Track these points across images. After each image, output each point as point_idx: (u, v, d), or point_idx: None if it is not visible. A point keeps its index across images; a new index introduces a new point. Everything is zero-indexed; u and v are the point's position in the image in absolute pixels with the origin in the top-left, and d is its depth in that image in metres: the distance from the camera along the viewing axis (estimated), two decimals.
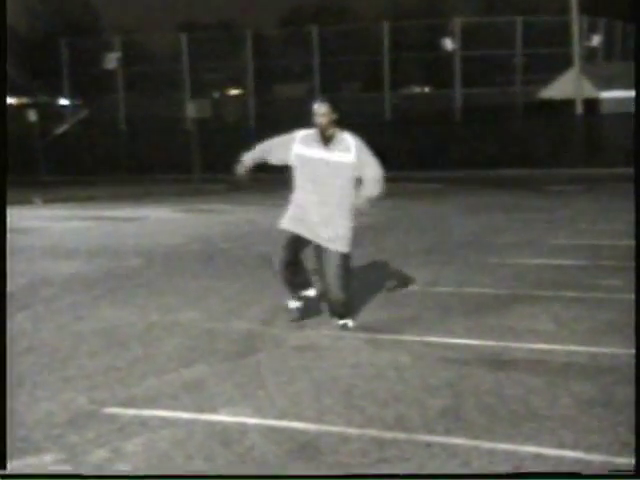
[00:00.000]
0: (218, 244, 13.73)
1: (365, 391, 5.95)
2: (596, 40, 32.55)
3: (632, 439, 4.94)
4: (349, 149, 7.48)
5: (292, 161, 7.65)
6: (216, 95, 37.18)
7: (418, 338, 7.34)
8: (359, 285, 9.88)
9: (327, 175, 7.46)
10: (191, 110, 29.89)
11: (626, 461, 4.65)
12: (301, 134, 7.60)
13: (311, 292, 7.96)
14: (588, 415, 5.38)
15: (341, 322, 7.79)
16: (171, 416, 5.52)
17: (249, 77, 34.15)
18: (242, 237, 14.54)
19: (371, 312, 8.45)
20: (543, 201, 18.05)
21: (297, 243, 7.64)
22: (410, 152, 29.24)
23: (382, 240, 13.63)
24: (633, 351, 6.71)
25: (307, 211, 7.54)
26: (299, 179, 7.65)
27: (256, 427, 5.31)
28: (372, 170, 7.57)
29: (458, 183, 25.82)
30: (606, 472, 4.37)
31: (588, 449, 4.84)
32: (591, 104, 28.45)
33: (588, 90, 28.35)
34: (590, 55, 33.23)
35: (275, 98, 35.10)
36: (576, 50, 29.25)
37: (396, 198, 21.17)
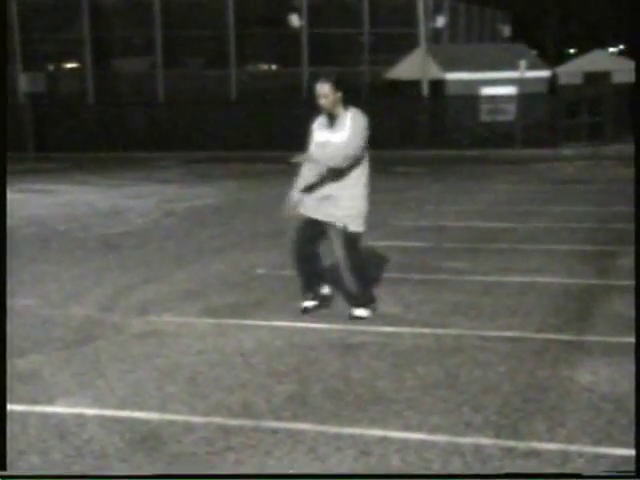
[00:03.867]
0: (55, 226, 13.24)
1: (210, 378, 5.84)
2: (441, 21, 33.16)
3: (474, 418, 5.05)
4: (345, 127, 6.99)
5: None
6: (51, 68, 35.60)
7: (264, 323, 7.26)
8: (203, 268, 9.73)
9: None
10: (23, 84, 28.73)
11: (468, 441, 4.73)
12: (317, 122, 7.17)
13: (325, 289, 7.44)
14: (433, 397, 5.43)
15: (355, 313, 7.26)
16: None
17: (86, 50, 33.01)
18: (80, 219, 14.08)
19: (217, 296, 8.31)
20: (391, 183, 18.27)
21: (311, 229, 7.17)
22: (258, 131, 29.10)
23: (229, 222, 13.49)
24: (477, 332, 6.84)
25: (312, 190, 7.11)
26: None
27: (95, 418, 5.14)
28: (343, 143, 6.94)
29: None
30: (606, 472, 4.36)
31: (432, 430, 4.90)
32: (437, 85, 28.99)
33: (434, 71, 28.86)
34: (435, 36, 33.82)
35: (115, 72, 34.08)
36: (422, 31, 29.74)
37: (244, 179, 21.05)
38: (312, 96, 7.16)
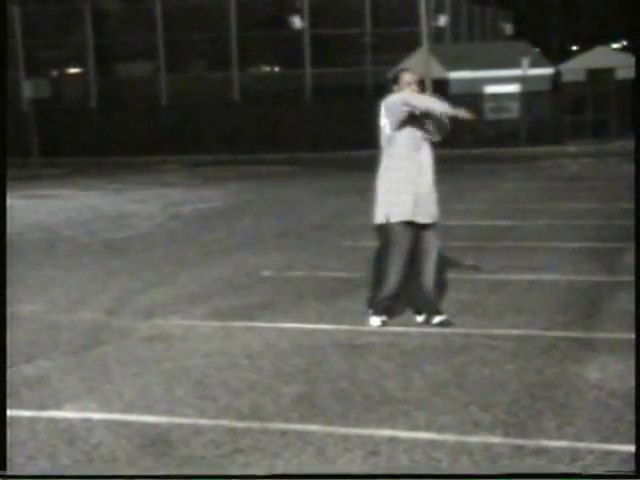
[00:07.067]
0: (60, 231, 13.28)
1: (217, 381, 5.83)
2: (443, 20, 33.18)
3: (483, 417, 5.03)
4: None
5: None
6: (54, 74, 35.63)
7: (271, 324, 7.25)
8: (209, 271, 9.73)
9: (417, 147, 7.39)
10: (28, 89, 28.79)
11: (476, 440, 4.71)
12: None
13: (419, 318, 7.15)
14: (441, 396, 5.42)
15: (438, 318, 7.02)
16: (11, 415, 5.22)
17: (89, 55, 33.12)
18: (85, 223, 14.11)
19: (223, 299, 8.31)
20: None
21: (410, 237, 7.00)
22: (260, 133, 29.13)
23: (235, 224, 13.50)
24: (484, 331, 6.83)
25: (402, 189, 7.17)
26: (392, 156, 7.27)
27: (103, 422, 5.13)
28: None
29: (310, 165, 25.91)
30: (607, 472, 4.33)
31: (441, 429, 4.89)
32: (440, 84, 28.98)
33: (436, 70, 28.86)
34: (437, 35, 33.83)
35: (118, 77, 34.16)
36: (424, 30, 29.72)
37: (248, 181, 21.07)
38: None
